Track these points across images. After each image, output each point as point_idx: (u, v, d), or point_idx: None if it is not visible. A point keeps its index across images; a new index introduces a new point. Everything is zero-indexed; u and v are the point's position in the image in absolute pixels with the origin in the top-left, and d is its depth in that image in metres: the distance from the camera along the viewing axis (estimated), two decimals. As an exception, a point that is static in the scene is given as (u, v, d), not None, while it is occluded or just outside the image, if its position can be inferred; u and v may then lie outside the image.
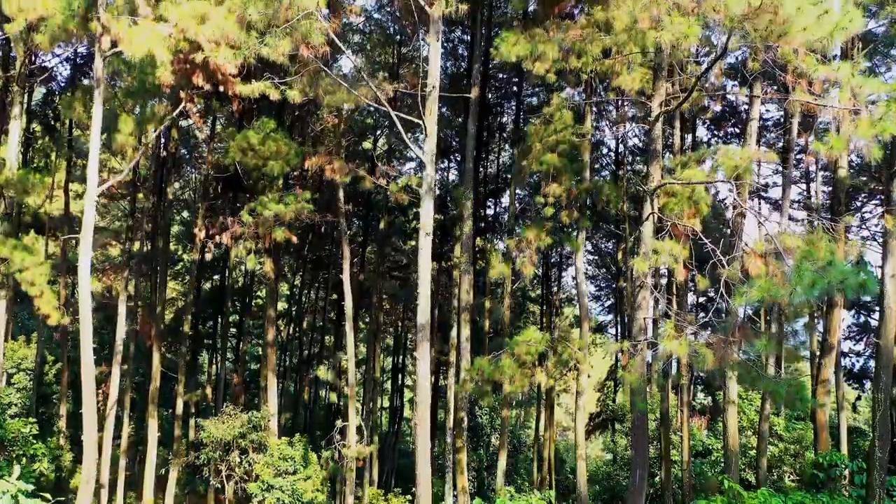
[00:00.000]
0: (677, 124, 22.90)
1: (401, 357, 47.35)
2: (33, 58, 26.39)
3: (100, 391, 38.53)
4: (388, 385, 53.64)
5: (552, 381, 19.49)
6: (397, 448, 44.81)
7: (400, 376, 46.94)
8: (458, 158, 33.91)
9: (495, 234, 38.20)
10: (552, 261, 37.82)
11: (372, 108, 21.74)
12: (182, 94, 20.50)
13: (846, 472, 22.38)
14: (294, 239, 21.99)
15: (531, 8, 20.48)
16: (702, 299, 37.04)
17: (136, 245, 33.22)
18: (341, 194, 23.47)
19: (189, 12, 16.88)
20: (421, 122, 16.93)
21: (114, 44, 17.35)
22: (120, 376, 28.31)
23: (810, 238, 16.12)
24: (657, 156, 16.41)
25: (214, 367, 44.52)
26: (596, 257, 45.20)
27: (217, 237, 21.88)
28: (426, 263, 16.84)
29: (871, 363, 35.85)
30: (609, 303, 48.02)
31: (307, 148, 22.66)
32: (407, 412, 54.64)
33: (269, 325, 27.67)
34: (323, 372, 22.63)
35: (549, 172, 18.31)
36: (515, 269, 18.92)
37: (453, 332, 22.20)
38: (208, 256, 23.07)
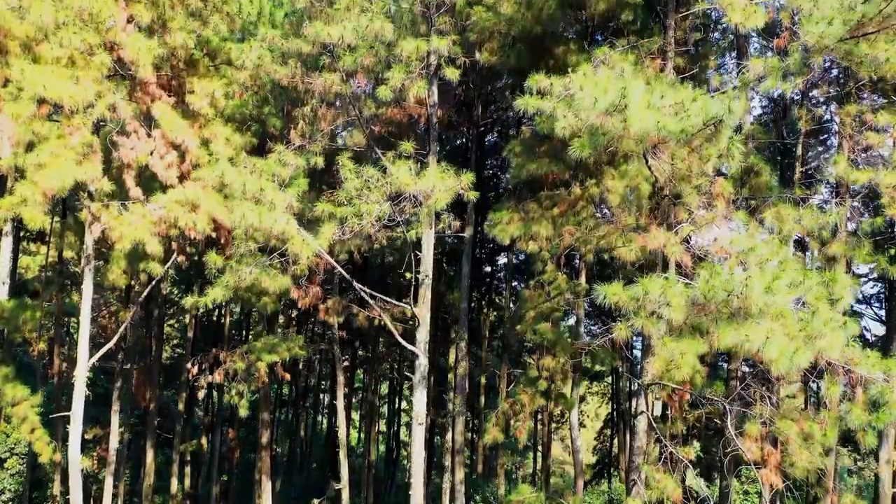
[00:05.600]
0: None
1: (397, 383, 47.87)
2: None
3: (95, 453, 38.79)
4: (384, 408, 54.25)
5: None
6: (395, 476, 45.12)
7: (397, 400, 47.47)
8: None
9: (492, 294, 38.19)
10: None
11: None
12: (175, 245, 20.31)
13: None
14: (287, 377, 21.89)
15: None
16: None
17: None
18: (336, 324, 23.30)
19: (179, 198, 16.69)
20: (411, 310, 16.77)
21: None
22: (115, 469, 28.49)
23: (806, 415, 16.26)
24: (651, 351, 16.27)
25: (210, 412, 44.61)
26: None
27: (210, 375, 21.79)
28: (419, 453, 16.73)
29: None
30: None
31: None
32: (403, 434, 55.04)
33: (263, 428, 27.56)
34: (317, 505, 22.65)
35: (543, 344, 18.18)
36: (510, 434, 18.83)
37: (446, 477, 22.19)
38: (200, 394, 22.86)
